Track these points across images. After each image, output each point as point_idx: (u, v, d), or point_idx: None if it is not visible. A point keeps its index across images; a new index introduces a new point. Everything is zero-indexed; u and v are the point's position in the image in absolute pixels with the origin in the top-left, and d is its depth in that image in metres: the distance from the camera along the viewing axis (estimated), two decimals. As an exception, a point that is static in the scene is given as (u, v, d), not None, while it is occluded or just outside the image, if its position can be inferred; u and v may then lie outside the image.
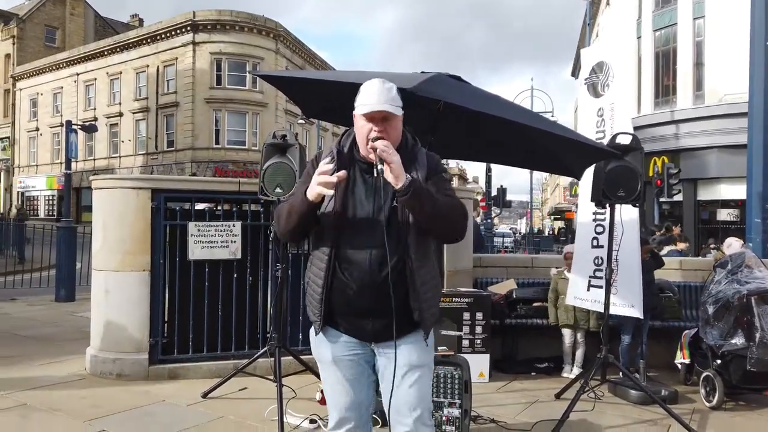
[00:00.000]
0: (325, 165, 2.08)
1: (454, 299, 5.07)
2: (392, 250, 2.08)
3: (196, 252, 4.78)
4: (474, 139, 4.54)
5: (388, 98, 2.11)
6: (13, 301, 8.59)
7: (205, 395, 4.26)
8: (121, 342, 4.71)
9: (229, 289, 4.89)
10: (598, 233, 5.15)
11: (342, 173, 2.05)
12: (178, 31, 34.02)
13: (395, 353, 2.14)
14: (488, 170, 26.22)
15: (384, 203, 2.13)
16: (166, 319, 4.86)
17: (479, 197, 36.28)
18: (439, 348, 3.90)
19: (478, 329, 5.12)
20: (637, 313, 4.85)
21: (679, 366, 5.20)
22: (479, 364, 5.04)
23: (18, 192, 44.28)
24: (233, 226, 4.89)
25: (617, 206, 4.43)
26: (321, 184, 2.02)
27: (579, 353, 5.46)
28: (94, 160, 38.99)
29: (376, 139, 2.07)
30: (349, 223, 2.13)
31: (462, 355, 4.13)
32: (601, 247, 4.93)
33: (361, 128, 2.13)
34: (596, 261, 5.09)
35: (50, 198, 41.36)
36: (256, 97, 33.47)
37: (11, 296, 8.88)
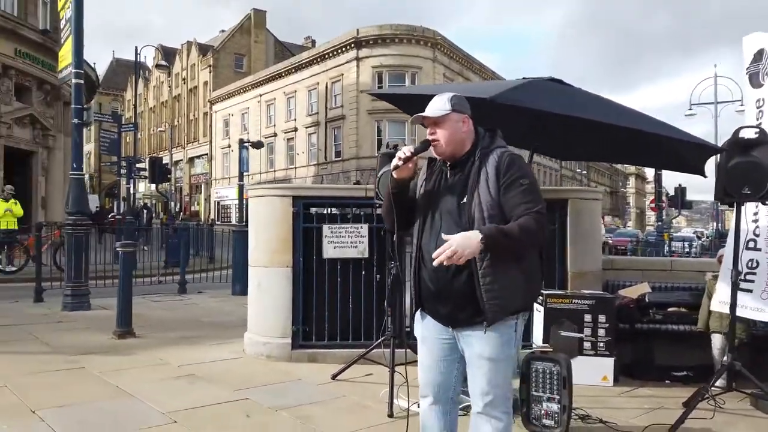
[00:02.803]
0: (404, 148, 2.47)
1: (573, 300, 5.06)
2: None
3: (329, 251, 5.40)
4: (586, 141, 4.54)
5: (435, 107, 2.46)
6: (199, 293, 10.17)
7: (333, 377, 4.83)
8: (270, 328, 5.50)
9: (358, 285, 5.43)
10: (756, 235, 4.75)
11: (408, 150, 2.41)
12: (344, 49, 36.57)
13: (470, 342, 2.42)
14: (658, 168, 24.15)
15: (455, 198, 2.43)
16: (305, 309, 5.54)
17: (651, 198, 33.15)
18: (538, 345, 4.01)
19: (601, 332, 5.03)
20: None
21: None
22: (602, 367, 4.96)
23: (215, 201, 50.81)
24: (361, 228, 5.43)
25: (751, 204, 4.12)
26: (397, 157, 2.43)
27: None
28: (275, 171, 43.33)
29: (428, 143, 2.46)
30: (429, 215, 2.47)
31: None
32: (758, 250, 4.58)
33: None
34: (749, 264, 4.71)
35: (239, 206, 46.73)
36: (415, 105, 34.59)
37: (198, 290, 10.51)
